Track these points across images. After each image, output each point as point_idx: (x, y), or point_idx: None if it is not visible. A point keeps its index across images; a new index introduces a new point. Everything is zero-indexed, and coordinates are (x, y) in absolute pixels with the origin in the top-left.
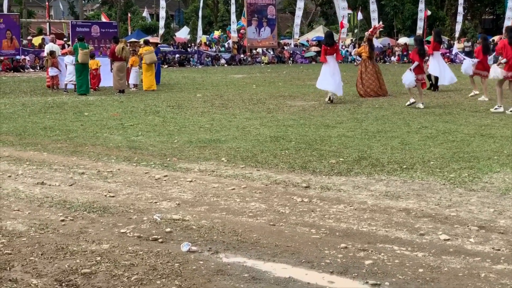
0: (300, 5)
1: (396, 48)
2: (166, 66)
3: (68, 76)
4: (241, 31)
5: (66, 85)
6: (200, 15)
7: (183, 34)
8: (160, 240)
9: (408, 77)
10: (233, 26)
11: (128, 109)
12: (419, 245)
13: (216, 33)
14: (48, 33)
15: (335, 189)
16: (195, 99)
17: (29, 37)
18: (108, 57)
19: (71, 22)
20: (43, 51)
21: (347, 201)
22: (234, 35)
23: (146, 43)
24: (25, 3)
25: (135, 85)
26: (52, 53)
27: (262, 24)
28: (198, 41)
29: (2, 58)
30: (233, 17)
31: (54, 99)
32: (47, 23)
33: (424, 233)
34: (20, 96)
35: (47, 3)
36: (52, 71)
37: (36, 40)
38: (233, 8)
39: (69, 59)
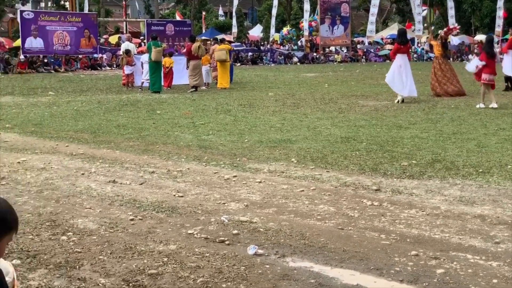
0: (374, 2)
1: (474, 46)
2: (238, 64)
3: (145, 75)
4: (313, 23)
5: (142, 83)
6: (274, 13)
7: (256, 32)
8: (227, 242)
9: (471, 65)
10: (306, 24)
11: (200, 108)
12: (494, 254)
13: (285, 29)
14: (124, 32)
15: (406, 193)
16: (267, 98)
17: (105, 36)
18: (184, 55)
19: (147, 21)
20: (120, 49)
21: (419, 205)
22: (306, 33)
23: (222, 41)
24: (103, 3)
25: (207, 84)
26: (127, 52)
27: (335, 22)
28: (271, 39)
29: (80, 56)
30: (306, 15)
31: (129, 97)
32: (124, 22)
33: (500, 242)
34: (96, 94)
35: (124, 3)
36: (127, 69)
37: (113, 39)
38: (306, 6)
39: (145, 57)
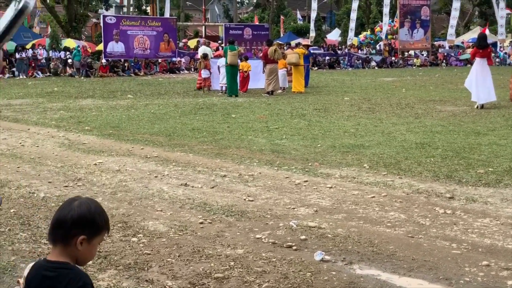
0: (456, 5)
1: None
2: (316, 68)
3: (221, 79)
4: (386, 28)
5: (221, 87)
6: (353, 17)
7: (334, 36)
8: (294, 247)
9: None
10: (385, 28)
11: (275, 112)
12: None
13: (361, 35)
14: (203, 36)
15: (481, 201)
16: (342, 102)
17: (184, 40)
18: (261, 59)
19: (225, 25)
20: (198, 53)
21: (493, 214)
22: (384, 37)
23: (297, 45)
24: (183, 7)
25: (283, 88)
26: (205, 56)
27: (415, 25)
28: (349, 43)
29: (159, 60)
30: (385, 18)
31: (205, 100)
32: (203, 26)
33: None
34: (173, 97)
35: (203, 7)
36: (204, 73)
37: (192, 43)
38: (386, 9)
39: (222, 61)
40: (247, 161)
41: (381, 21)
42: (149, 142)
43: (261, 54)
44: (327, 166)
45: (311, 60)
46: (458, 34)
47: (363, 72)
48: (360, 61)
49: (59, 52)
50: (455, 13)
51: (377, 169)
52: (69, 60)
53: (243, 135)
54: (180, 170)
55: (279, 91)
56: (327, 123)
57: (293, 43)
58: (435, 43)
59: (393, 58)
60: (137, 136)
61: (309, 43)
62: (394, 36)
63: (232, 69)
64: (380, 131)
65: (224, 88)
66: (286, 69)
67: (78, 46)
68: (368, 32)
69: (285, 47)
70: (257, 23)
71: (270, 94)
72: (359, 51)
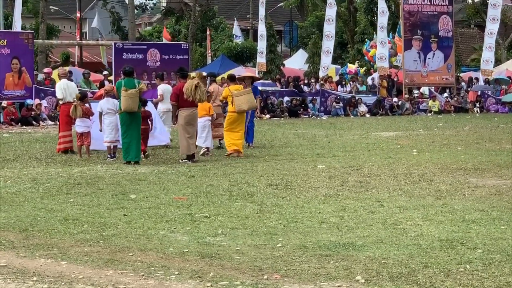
0: (493, 13)
1: None
2: (267, 116)
3: (108, 133)
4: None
5: (110, 146)
6: (327, 31)
7: (296, 62)
8: None
9: None
10: (381, 50)
11: (203, 190)
12: None
13: (352, 67)
14: (76, 63)
15: None
16: (314, 172)
17: (47, 69)
18: (170, 101)
19: (115, 44)
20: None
21: None
22: (382, 64)
23: (232, 79)
24: (44, 14)
25: (208, 149)
26: (83, 97)
27: (429, 45)
28: (322, 74)
29: (4, 103)
30: (381, 34)
31: (83, 170)
32: (76, 46)
33: None
34: (29, 166)
35: (78, 14)
36: (81, 125)
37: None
38: (381, 19)
39: (108, 104)
40: (160, 273)
41: (374, 38)
42: None
43: (171, 94)
44: (295, 281)
45: (259, 103)
46: (498, 61)
47: (346, 122)
48: (341, 105)
49: None
50: (492, 27)
51: (379, 285)
52: None
53: (152, 228)
54: None
55: (204, 152)
56: (291, 207)
57: (223, 75)
58: (462, 74)
59: (394, 100)
60: None
61: (255, 75)
62: (396, 61)
63: (130, 119)
64: (379, 220)
65: (112, 148)
66: (210, 118)
67: None
68: (358, 63)
69: (207, 81)
70: (169, 42)
71: (190, 159)
72: (339, 87)
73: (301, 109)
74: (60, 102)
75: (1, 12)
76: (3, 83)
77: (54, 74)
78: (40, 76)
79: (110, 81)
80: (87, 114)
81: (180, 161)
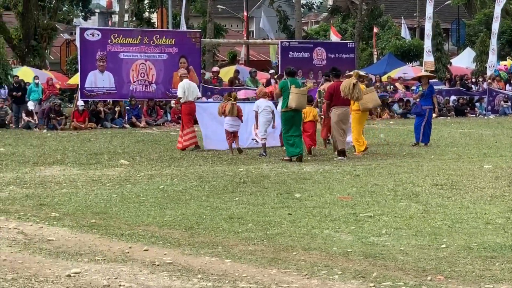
0: None
1: None
2: (434, 115)
3: (264, 131)
4: None
5: (265, 145)
6: (495, 29)
7: (463, 61)
8: None
9: None
10: None
11: (367, 189)
12: None
13: (504, 63)
14: (244, 61)
15: None
16: (481, 172)
17: (215, 68)
18: (325, 99)
19: (281, 42)
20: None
21: None
22: None
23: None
24: (211, 14)
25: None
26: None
27: None
28: (489, 73)
29: (172, 102)
30: None
31: (248, 169)
32: (243, 45)
33: None
34: (196, 164)
35: (245, 13)
36: (233, 124)
37: (227, 73)
38: None
39: (266, 103)
40: (323, 273)
41: None
42: (158, 239)
43: (326, 92)
44: (458, 282)
45: (435, 101)
46: None
47: None
48: (510, 104)
49: (5, 89)
50: None
51: None
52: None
53: (315, 228)
54: (210, 286)
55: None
56: (456, 208)
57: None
58: None
59: None
60: (137, 228)
61: (428, 73)
62: None
63: (296, 116)
64: None
65: (254, 144)
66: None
67: (36, 78)
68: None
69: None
70: (336, 41)
71: (343, 155)
72: (507, 86)
73: (468, 108)
74: (181, 101)
75: (170, 12)
76: (171, 82)
77: (223, 73)
78: (207, 75)
79: (277, 81)
80: (240, 114)
81: (335, 158)
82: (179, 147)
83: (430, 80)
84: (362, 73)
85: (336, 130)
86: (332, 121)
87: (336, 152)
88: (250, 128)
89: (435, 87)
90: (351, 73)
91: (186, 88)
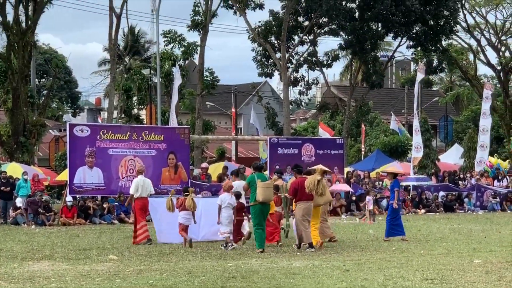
0: None
1: None
2: (423, 211)
3: (226, 225)
4: None
5: (229, 238)
6: (485, 125)
7: (451, 157)
8: None
9: None
10: None
11: (357, 283)
12: None
13: (491, 159)
14: (234, 158)
15: None
16: (471, 267)
17: (204, 165)
18: (288, 195)
19: (270, 139)
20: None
21: None
22: None
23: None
24: (200, 110)
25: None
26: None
27: None
28: (478, 169)
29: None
30: None
31: (238, 264)
32: (233, 141)
33: None
34: (185, 259)
35: (233, 110)
36: (188, 218)
37: (216, 169)
38: None
39: (229, 199)
40: None
41: None
42: None
43: (290, 188)
44: None
45: (396, 195)
46: None
47: (502, 217)
48: (498, 200)
49: None
50: None
51: None
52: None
53: None
54: None
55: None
56: None
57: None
58: None
59: None
60: None
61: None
62: None
63: (264, 209)
64: None
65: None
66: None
67: (25, 174)
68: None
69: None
70: (327, 136)
71: (312, 246)
72: (496, 182)
73: (457, 204)
74: (135, 197)
75: (159, 108)
76: (160, 178)
77: (211, 169)
78: (196, 171)
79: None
80: (190, 207)
81: (304, 250)
82: (134, 242)
83: (414, 176)
84: (325, 168)
85: (301, 224)
86: (296, 216)
87: (295, 244)
88: (202, 222)
89: (423, 183)
90: (315, 167)
91: (140, 185)
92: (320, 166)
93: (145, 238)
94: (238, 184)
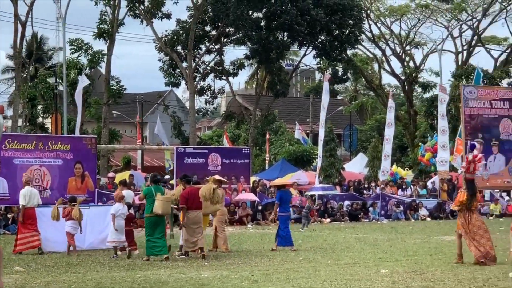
0: None
1: None
2: (328, 220)
3: (115, 235)
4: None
5: (117, 248)
6: (388, 134)
7: (356, 166)
8: None
9: None
10: (440, 154)
11: None
12: None
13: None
14: (139, 166)
15: None
16: (377, 277)
17: (111, 174)
18: (180, 205)
19: (177, 148)
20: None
21: None
22: (442, 168)
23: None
24: (106, 119)
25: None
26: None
27: (489, 148)
28: (382, 178)
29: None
30: (442, 137)
31: (146, 275)
32: (139, 151)
33: None
34: (93, 270)
35: (138, 118)
36: (75, 227)
37: (122, 178)
38: (442, 122)
39: (122, 209)
40: None
41: (428, 142)
42: None
43: (180, 197)
44: None
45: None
46: None
47: (407, 225)
48: (402, 209)
49: None
50: None
51: None
52: None
53: None
54: None
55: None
56: None
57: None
58: None
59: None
60: None
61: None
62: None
63: (159, 221)
64: None
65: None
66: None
67: None
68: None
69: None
70: (231, 146)
71: (186, 254)
72: (400, 191)
73: (362, 213)
74: (22, 208)
75: (65, 117)
76: (66, 187)
77: (117, 179)
78: (103, 180)
79: (171, 186)
80: (75, 216)
81: (177, 255)
82: (14, 250)
83: (320, 185)
84: (220, 178)
85: (188, 233)
86: (185, 224)
87: (177, 252)
88: (88, 230)
89: (328, 192)
90: (208, 178)
91: (28, 195)
92: (215, 176)
93: (29, 248)
94: (127, 194)
